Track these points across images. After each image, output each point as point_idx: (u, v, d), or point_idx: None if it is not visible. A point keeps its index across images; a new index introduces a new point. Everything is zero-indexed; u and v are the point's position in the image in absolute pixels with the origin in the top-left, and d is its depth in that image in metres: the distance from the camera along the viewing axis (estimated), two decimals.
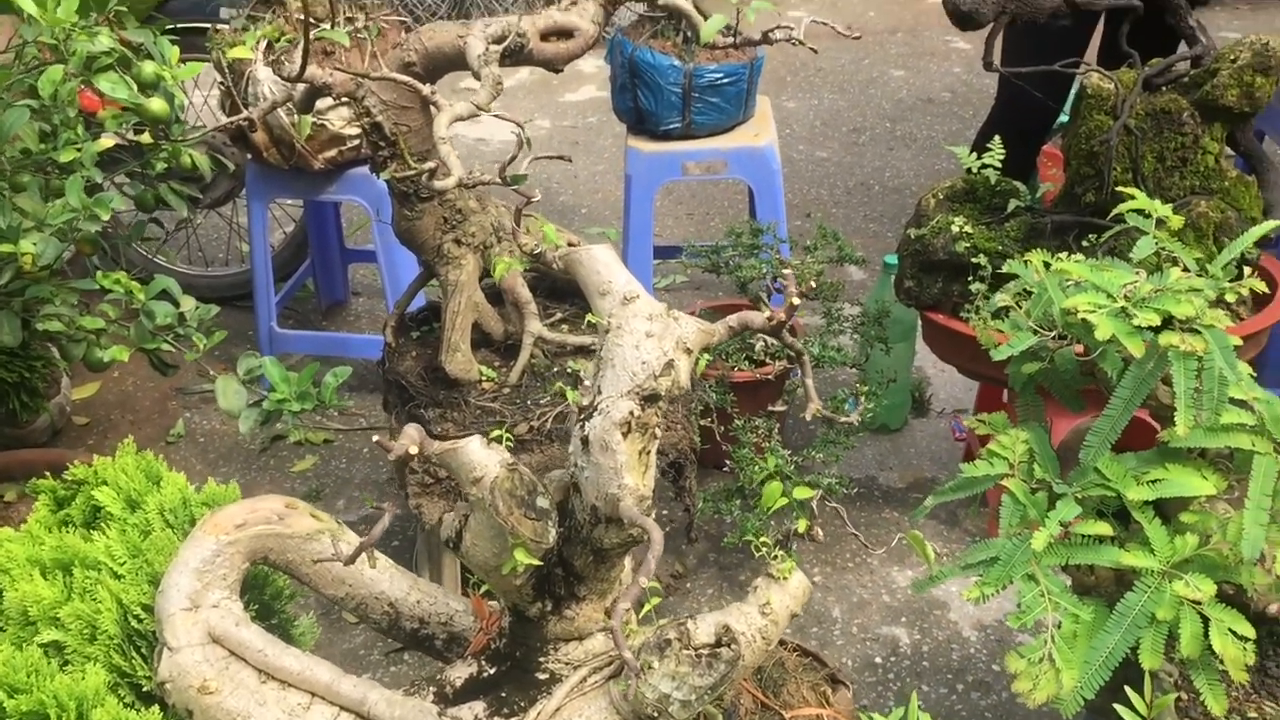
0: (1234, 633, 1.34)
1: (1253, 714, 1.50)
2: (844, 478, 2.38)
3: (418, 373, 2.24)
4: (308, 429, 2.96)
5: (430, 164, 1.76)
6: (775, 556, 1.37)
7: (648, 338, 1.28)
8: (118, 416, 3.04)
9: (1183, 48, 2.32)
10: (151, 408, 3.07)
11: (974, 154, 2.44)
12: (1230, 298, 1.51)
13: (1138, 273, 1.47)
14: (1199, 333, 1.40)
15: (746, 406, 2.54)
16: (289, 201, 3.49)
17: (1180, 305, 1.41)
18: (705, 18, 2.16)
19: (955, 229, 2.33)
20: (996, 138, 2.47)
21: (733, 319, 1.36)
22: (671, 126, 2.91)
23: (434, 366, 2.21)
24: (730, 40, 2.20)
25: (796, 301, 1.29)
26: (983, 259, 2.26)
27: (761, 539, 1.37)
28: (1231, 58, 2.22)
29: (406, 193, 2.13)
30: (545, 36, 2.07)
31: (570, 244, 2.35)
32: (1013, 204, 2.38)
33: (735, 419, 2.44)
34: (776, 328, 1.31)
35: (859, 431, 2.49)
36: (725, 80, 2.88)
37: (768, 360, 2.64)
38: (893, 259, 2.69)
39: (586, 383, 1.34)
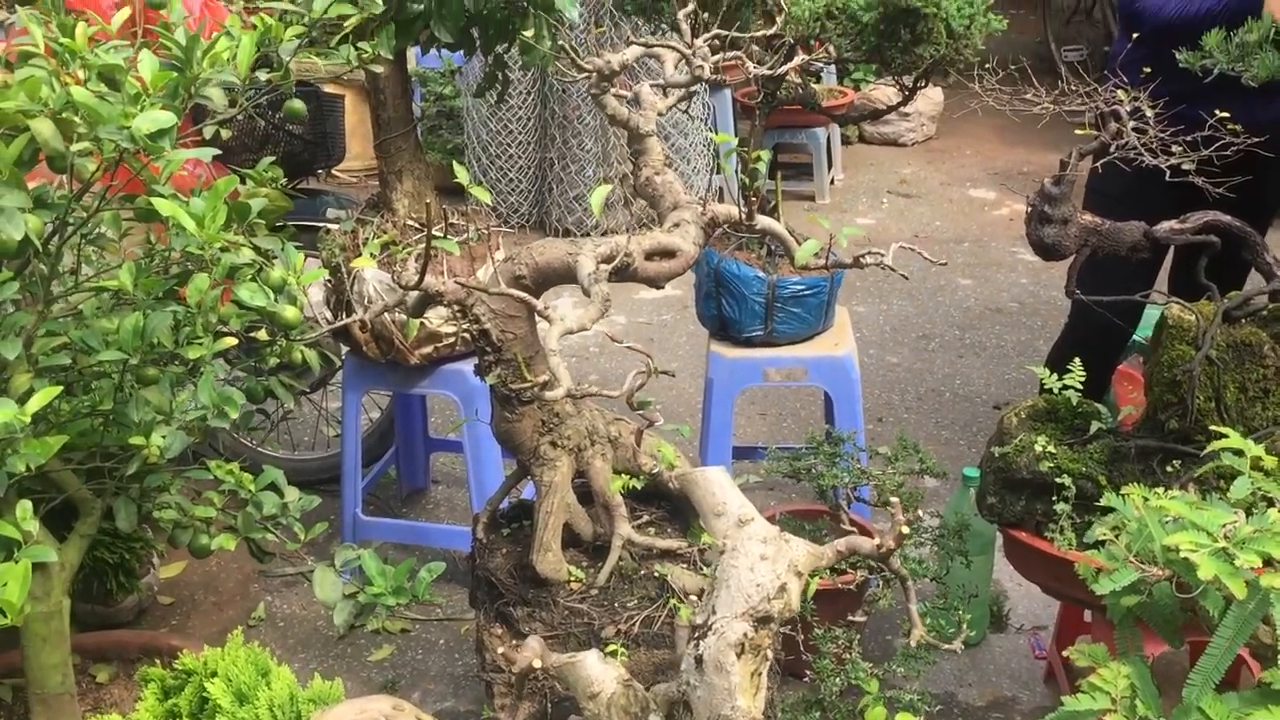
0: None
1: None
2: (925, 694, 2.36)
3: (507, 570, 2.29)
4: (387, 617, 2.99)
5: (543, 376, 1.85)
6: None
7: (762, 560, 1.33)
8: (201, 597, 3.10)
9: (1259, 280, 2.39)
10: (234, 590, 3.13)
11: (1053, 374, 2.51)
12: None
13: (1236, 513, 1.50)
14: None
15: (826, 615, 2.55)
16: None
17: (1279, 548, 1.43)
18: (798, 240, 2.28)
19: (1039, 449, 2.37)
20: (1077, 359, 2.53)
21: (841, 544, 1.40)
22: (754, 334, 3.02)
23: (524, 565, 2.26)
24: (822, 263, 2.32)
25: (906, 530, 1.33)
26: (1066, 479, 2.29)
27: None
28: None
29: (508, 396, 2.23)
30: (649, 256, 2.19)
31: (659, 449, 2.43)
32: (1095, 426, 2.43)
33: (815, 628, 2.45)
34: (885, 555, 1.35)
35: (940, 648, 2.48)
36: (807, 292, 2.99)
37: (848, 569, 2.65)
38: (973, 472, 2.72)
39: (692, 598, 1.39)
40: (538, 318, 2.00)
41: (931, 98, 6.74)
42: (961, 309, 4.83)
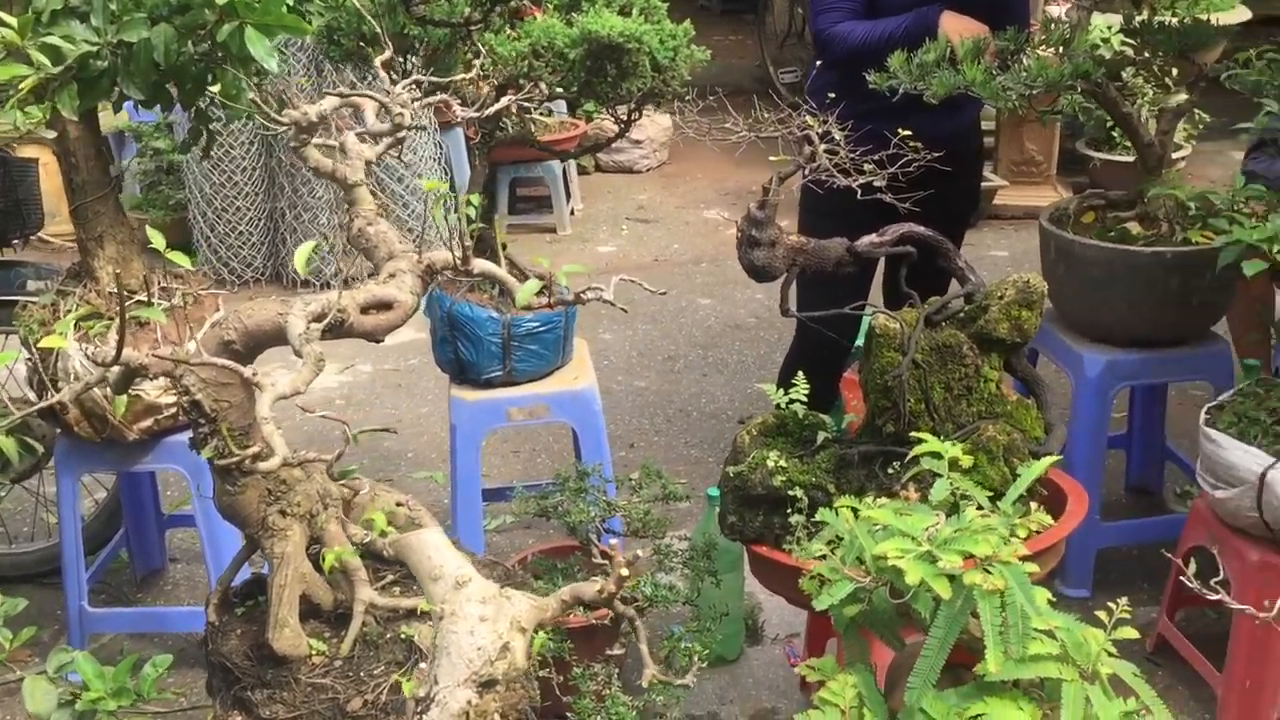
0: None
1: None
2: (686, 719, 2.38)
3: (243, 652, 2.17)
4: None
5: (254, 448, 1.77)
6: None
7: (481, 622, 1.30)
8: None
9: (956, 286, 2.55)
10: None
11: (781, 390, 2.59)
12: (1021, 532, 1.62)
13: (938, 515, 1.57)
14: (998, 571, 1.51)
15: (584, 652, 2.54)
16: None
17: (979, 545, 1.51)
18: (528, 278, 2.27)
19: (771, 464, 2.44)
20: (801, 373, 2.63)
21: (565, 593, 1.39)
22: (494, 375, 2.99)
23: (261, 644, 2.14)
24: (545, 301, 2.31)
25: (625, 573, 1.33)
26: (798, 491, 2.37)
27: None
28: (999, 294, 2.45)
29: (228, 468, 2.11)
30: (365, 310, 2.13)
31: (398, 504, 2.36)
32: (821, 436, 2.52)
33: (574, 667, 2.44)
34: (607, 600, 1.35)
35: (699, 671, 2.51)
36: (542, 329, 2.99)
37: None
38: (715, 492, 2.78)
39: (423, 666, 1.34)
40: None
41: (661, 124, 6.90)
42: (704, 328, 4.96)
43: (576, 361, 3.15)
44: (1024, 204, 5.63)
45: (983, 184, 5.62)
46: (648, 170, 7.03)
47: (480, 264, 2.26)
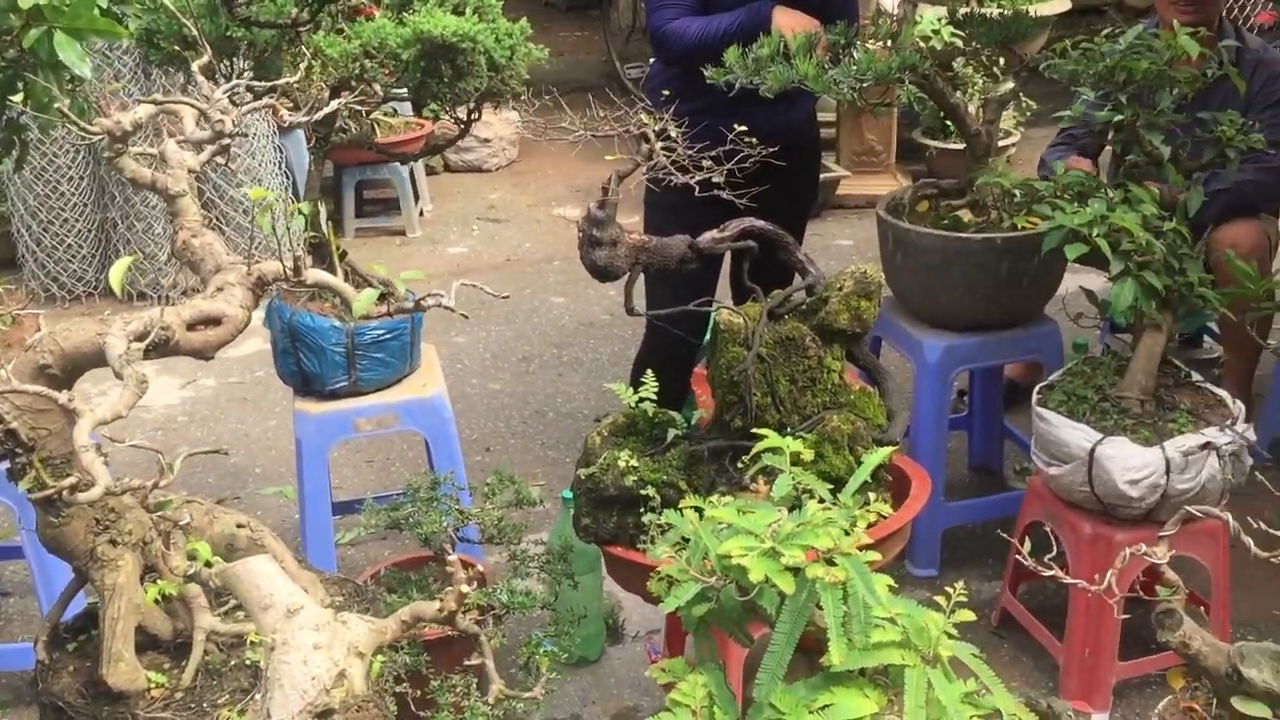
0: None
1: None
2: None
3: (76, 689, 2.07)
4: None
5: (71, 479, 1.68)
6: None
7: (315, 650, 1.25)
8: None
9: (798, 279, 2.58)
10: None
11: (631, 389, 2.58)
12: (862, 523, 1.65)
13: (780, 510, 1.58)
14: (840, 563, 1.52)
15: (442, 664, 2.49)
16: None
17: (820, 538, 1.53)
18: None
19: (622, 464, 2.43)
20: (650, 372, 2.63)
21: (404, 613, 1.35)
22: (339, 385, 2.91)
23: (96, 680, 2.04)
24: (384, 309, 2.26)
25: (465, 589, 1.30)
26: (651, 490, 2.36)
27: None
28: (839, 286, 2.49)
29: (49, 499, 2.00)
30: (192, 326, 2.04)
31: (239, 525, 2.28)
32: (672, 434, 2.53)
33: (432, 680, 2.39)
34: (448, 619, 1.32)
35: (558, 675, 2.50)
36: (388, 336, 2.92)
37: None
38: (570, 494, 2.76)
39: (256, 698, 1.29)
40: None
41: (510, 121, 6.84)
42: (557, 327, 4.93)
43: (425, 368, 3.10)
44: (866, 193, 5.76)
45: (825, 175, 5.76)
46: (497, 169, 6.97)
47: (314, 274, 2.19)
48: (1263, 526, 1.91)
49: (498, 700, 1.41)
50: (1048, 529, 2.70)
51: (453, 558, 1.53)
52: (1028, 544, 1.94)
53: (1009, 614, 2.91)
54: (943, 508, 3.13)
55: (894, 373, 2.71)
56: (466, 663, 2.50)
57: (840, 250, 5.50)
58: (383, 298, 2.22)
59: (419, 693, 2.39)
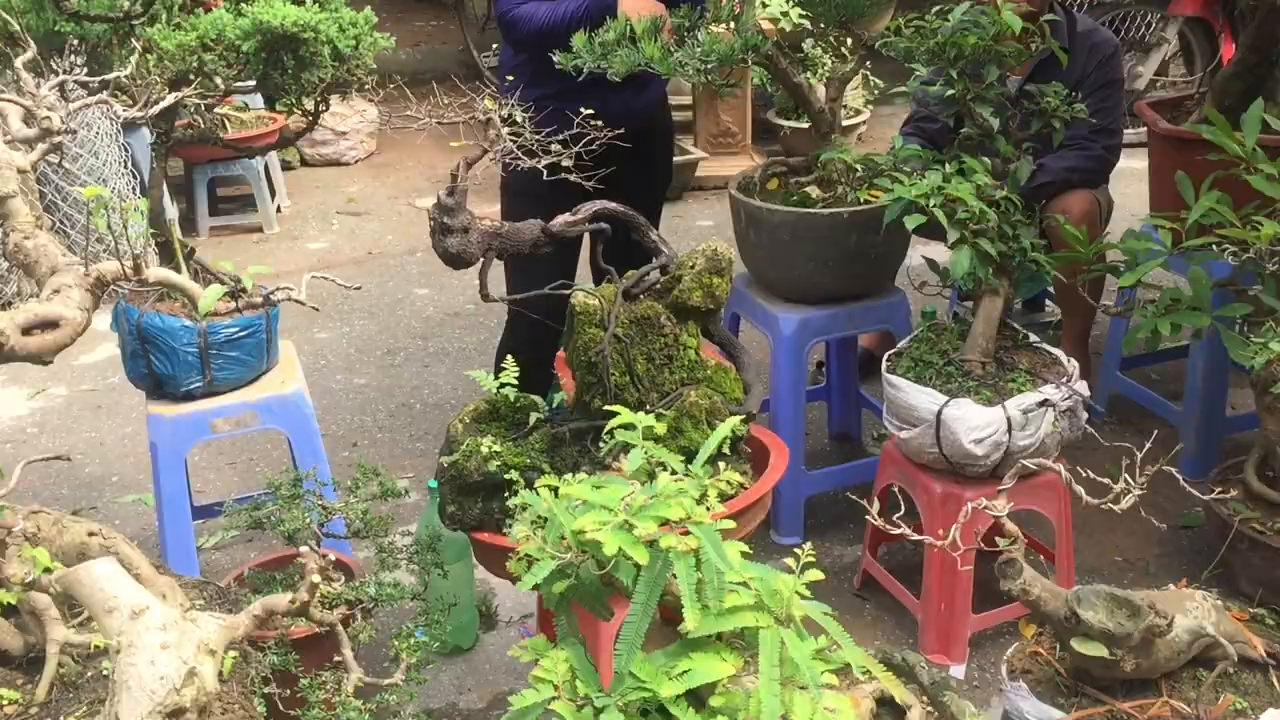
0: None
1: None
2: (421, 714, 2.37)
3: None
4: None
5: None
6: None
7: (163, 649, 1.24)
8: None
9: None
10: None
11: (494, 376, 2.59)
12: (712, 493, 1.69)
13: (633, 484, 1.61)
14: (692, 531, 1.56)
15: (311, 661, 2.46)
16: None
17: (672, 509, 1.57)
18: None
19: (485, 450, 2.44)
20: (510, 358, 2.64)
21: (256, 608, 1.34)
22: (193, 387, 2.85)
23: None
24: (234, 306, 2.22)
25: (317, 579, 1.30)
26: (514, 474, 2.38)
27: None
28: (691, 264, 2.53)
29: None
30: (28, 330, 1.98)
31: (90, 534, 2.22)
32: (534, 418, 2.54)
33: (301, 678, 2.36)
34: (301, 611, 1.31)
35: (429, 664, 2.50)
36: (242, 334, 2.86)
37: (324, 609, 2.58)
38: (435, 484, 2.75)
39: (104, 708, 1.27)
40: None
41: (366, 114, 6.73)
42: (422, 318, 4.89)
43: (283, 364, 3.05)
44: (723, 174, 5.84)
45: (683, 157, 5.83)
46: (356, 162, 6.86)
47: (156, 272, 2.15)
48: (1093, 475, 2.03)
49: (359, 690, 1.40)
50: (903, 491, 2.80)
51: (304, 549, 1.52)
52: (877, 505, 2.02)
53: (871, 576, 3.01)
54: (804, 476, 3.21)
55: (753, 348, 2.77)
56: (336, 658, 2.50)
57: (701, 231, 5.57)
58: (233, 295, 2.19)
59: (289, 692, 2.37)
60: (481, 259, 2.42)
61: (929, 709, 1.90)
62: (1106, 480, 1.93)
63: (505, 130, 2.31)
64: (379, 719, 2.37)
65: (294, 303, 2.16)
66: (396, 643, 2.50)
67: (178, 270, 2.67)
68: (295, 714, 2.30)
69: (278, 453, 3.88)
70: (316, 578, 1.30)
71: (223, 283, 2.09)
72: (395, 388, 4.33)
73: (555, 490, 1.65)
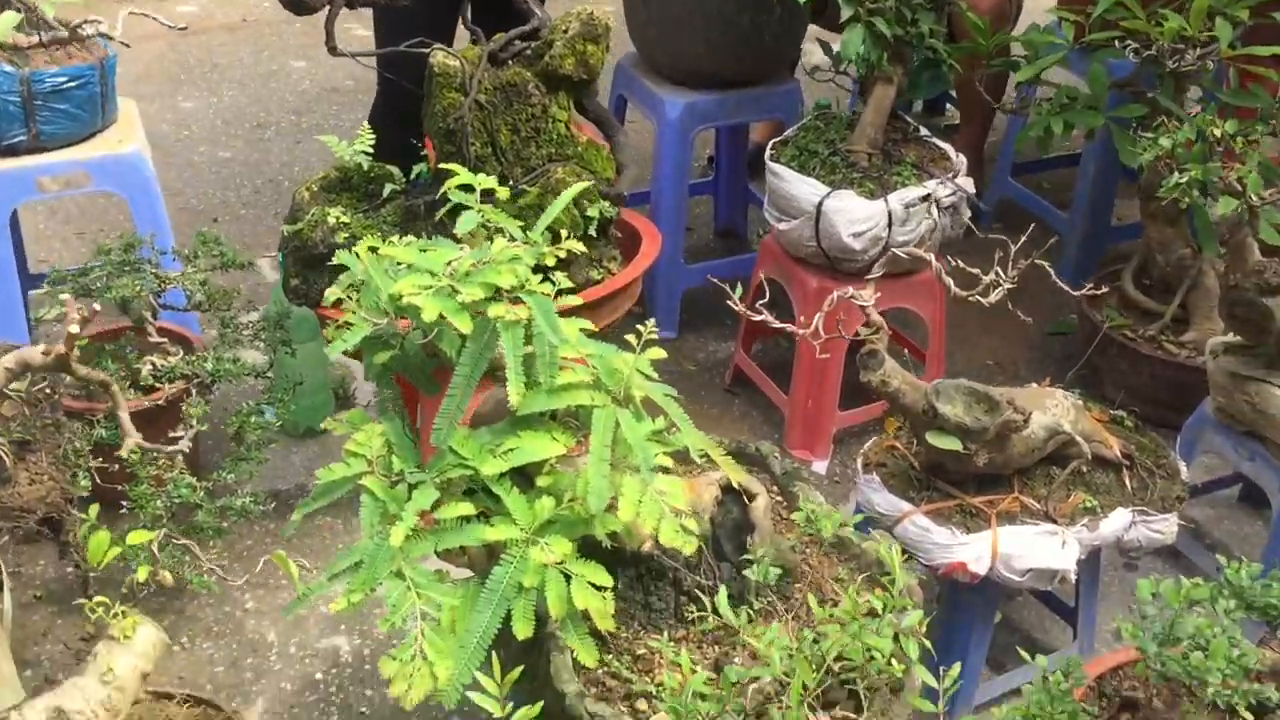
0: (594, 585, 1.39)
1: (641, 650, 1.57)
2: (258, 494, 2.27)
3: None
4: None
5: None
6: (115, 615, 1.23)
7: None
8: None
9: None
10: None
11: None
12: (549, 260, 1.55)
13: (462, 248, 1.47)
14: (525, 300, 1.43)
15: (146, 436, 2.32)
16: None
17: (503, 276, 1.43)
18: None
19: (332, 221, 2.27)
20: (365, 124, 2.44)
21: (9, 359, 1.19)
22: (17, 140, 2.59)
23: None
24: (36, 39, 1.98)
25: (75, 329, 1.15)
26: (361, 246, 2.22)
27: (97, 599, 1.22)
28: (564, 29, 2.33)
29: None
30: None
31: None
32: (389, 189, 2.37)
33: (131, 454, 2.22)
34: (60, 365, 1.16)
35: (271, 444, 2.39)
36: (70, 84, 2.60)
37: (158, 384, 2.43)
38: (282, 256, 2.58)
39: None
40: None
41: None
42: (297, 92, 4.59)
43: (122, 123, 2.79)
44: None
45: None
46: None
47: None
48: (965, 267, 1.93)
49: (131, 453, 1.27)
50: (778, 285, 2.70)
51: (65, 296, 1.36)
52: (740, 291, 1.91)
53: (742, 372, 2.94)
54: (682, 269, 3.10)
55: (642, 139, 2.60)
56: (170, 434, 2.36)
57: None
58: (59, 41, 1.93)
59: (117, 467, 2.23)
60: (329, 4, 2.19)
61: (779, 499, 1.84)
62: (978, 271, 1.84)
63: None
64: (215, 496, 2.26)
65: (107, 39, 1.92)
66: (236, 418, 2.38)
67: None
68: (123, 489, 2.18)
69: (130, 224, 3.63)
70: (75, 328, 1.15)
71: (17, 10, 1.84)
72: (263, 163, 4.07)
73: (375, 251, 1.50)
